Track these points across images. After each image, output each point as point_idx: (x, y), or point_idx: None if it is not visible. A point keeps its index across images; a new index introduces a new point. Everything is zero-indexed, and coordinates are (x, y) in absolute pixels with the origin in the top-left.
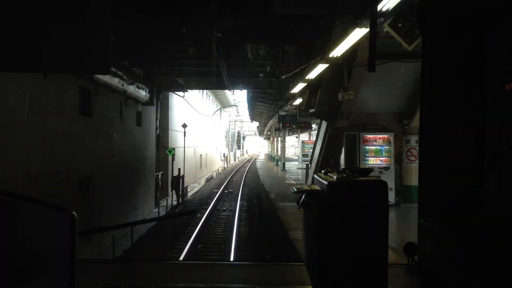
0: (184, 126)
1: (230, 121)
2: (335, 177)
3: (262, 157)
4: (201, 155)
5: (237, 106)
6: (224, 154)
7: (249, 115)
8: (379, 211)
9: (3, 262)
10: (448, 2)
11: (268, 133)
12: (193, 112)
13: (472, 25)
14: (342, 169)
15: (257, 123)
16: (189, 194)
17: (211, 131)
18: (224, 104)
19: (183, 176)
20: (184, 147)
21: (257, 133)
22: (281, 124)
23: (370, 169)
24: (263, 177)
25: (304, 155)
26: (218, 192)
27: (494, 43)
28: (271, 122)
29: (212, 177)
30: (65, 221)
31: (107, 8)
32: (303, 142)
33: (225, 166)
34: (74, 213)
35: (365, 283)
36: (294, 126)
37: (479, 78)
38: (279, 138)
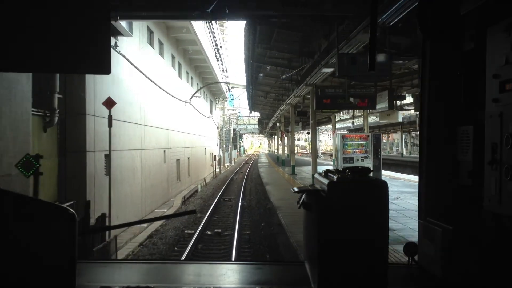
0: (109, 104)
1: (224, 116)
2: (335, 177)
3: (264, 159)
4: (178, 160)
5: (229, 85)
6: (215, 156)
7: (247, 97)
8: (379, 210)
9: (4, 261)
10: (448, 2)
11: (278, 125)
12: (158, 92)
13: (472, 25)
14: (342, 169)
15: (256, 119)
16: (132, 243)
17: (197, 126)
18: (213, 91)
19: (102, 217)
20: (110, 150)
21: (257, 129)
22: (314, 100)
23: (370, 169)
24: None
25: (345, 159)
26: (192, 236)
27: (494, 43)
28: (286, 103)
29: (197, 191)
30: (65, 221)
31: (106, 12)
32: (343, 137)
33: (218, 171)
34: (74, 213)
35: (365, 283)
36: (352, 99)
37: (479, 78)
38: (303, 132)
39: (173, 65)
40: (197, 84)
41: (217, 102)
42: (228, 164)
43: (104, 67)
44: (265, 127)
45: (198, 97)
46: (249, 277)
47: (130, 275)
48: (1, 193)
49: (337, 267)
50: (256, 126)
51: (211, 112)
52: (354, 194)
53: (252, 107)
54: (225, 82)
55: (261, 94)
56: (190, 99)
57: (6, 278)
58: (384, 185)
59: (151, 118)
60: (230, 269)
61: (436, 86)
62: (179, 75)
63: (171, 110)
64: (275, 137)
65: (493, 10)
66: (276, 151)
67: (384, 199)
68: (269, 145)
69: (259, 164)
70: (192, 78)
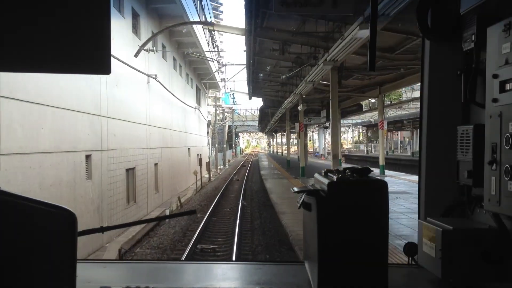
0: None
1: (215, 105)
2: (335, 177)
3: (265, 162)
4: (131, 169)
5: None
6: (200, 160)
7: (246, 70)
8: (379, 211)
9: (3, 262)
10: (448, 2)
11: (300, 107)
12: None
13: (472, 25)
14: (342, 169)
15: (253, 116)
16: None
17: (176, 119)
18: (201, 73)
19: None
20: None
21: (254, 127)
22: None
23: (370, 169)
24: None
25: None
26: None
27: (494, 43)
28: (355, 37)
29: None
30: (65, 221)
31: (107, 11)
32: None
33: (207, 178)
34: (74, 213)
35: (365, 283)
36: None
37: (479, 78)
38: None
39: (120, 10)
40: (174, 58)
41: (208, 91)
42: (221, 167)
43: (104, 67)
44: (270, 119)
45: (150, 50)
46: (249, 277)
47: (130, 275)
48: (0, 193)
49: (337, 267)
50: (253, 123)
51: (198, 103)
52: (354, 194)
53: (253, 89)
54: (207, 23)
55: (273, 47)
56: (137, 54)
57: (5, 278)
58: (384, 185)
59: (33, 86)
60: (230, 269)
61: (436, 86)
62: (135, 31)
63: (115, 84)
64: (280, 134)
65: (493, 10)
66: (280, 151)
67: (384, 199)
68: (269, 144)
69: (262, 172)
70: (163, 45)
